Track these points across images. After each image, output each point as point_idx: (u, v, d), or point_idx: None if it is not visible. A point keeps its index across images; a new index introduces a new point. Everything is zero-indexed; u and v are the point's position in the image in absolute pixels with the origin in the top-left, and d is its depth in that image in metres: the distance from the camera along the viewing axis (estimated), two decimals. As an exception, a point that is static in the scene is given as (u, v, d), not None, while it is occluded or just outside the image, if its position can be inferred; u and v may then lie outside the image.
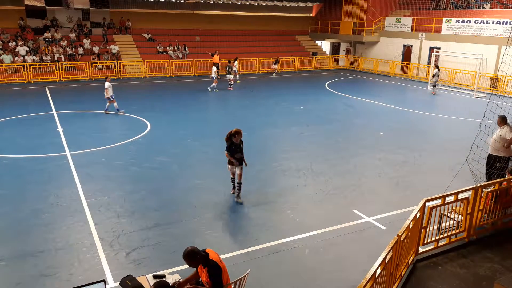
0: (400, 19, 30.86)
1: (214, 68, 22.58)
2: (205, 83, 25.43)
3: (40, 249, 7.17)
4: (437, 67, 23.51)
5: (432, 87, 23.54)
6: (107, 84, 16.40)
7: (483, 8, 28.10)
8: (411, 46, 29.92)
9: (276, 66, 29.68)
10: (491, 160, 9.13)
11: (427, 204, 6.53)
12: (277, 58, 30.24)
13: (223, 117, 16.97)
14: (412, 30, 29.75)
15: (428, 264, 6.70)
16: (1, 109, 17.46)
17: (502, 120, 9.02)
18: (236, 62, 24.56)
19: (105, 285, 4.67)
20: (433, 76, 23.36)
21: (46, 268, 6.66)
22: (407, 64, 29.74)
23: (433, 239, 6.99)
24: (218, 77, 23.58)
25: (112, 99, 16.74)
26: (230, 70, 22.80)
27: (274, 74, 29.51)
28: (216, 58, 27.24)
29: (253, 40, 34.01)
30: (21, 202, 8.95)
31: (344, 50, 36.45)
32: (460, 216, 7.38)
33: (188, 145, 13.28)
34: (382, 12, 32.49)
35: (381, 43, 32.23)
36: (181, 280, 5.19)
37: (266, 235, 7.75)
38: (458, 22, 26.58)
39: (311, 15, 38.52)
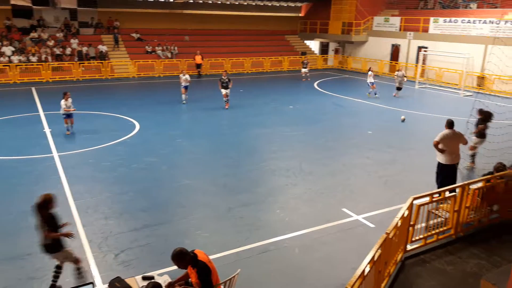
0: (389, 18, 31.09)
1: (185, 77, 18.81)
2: (193, 83, 25.35)
3: (27, 252, 7.09)
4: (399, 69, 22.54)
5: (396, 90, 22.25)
6: (62, 103, 13.76)
7: (470, 8, 28.44)
8: (399, 45, 30.16)
9: (306, 69, 27.33)
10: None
11: (414, 202, 6.59)
12: (304, 60, 28.44)
13: (212, 117, 16.93)
14: (400, 29, 29.98)
15: (416, 261, 6.76)
16: (-13, 110, 17.22)
17: (447, 124, 8.81)
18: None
19: (93, 287, 4.64)
20: (397, 77, 22.04)
21: (33, 271, 6.59)
22: (395, 63, 29.96)
23: (421, 236, 7.06)
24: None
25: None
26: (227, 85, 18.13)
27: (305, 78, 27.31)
28: (198, 59, 27.13)
29: (243, 40, 33.98)
30: (8, 204, 8.84)
31: (333, 50, 36.60)
32: (447, 214, 7.46)
33: (177, 146, 13.23)
34: (370, 12, 32.69)
35: (370, 43, 32.43)
36: (171, 281, 5.17)
37: (256, 235, 7.76)
38: (446, 22, 26.86)
39: (300, 15, 38.60)
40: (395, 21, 30.38)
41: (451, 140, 8.54)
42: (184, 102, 19.02)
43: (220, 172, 10.90)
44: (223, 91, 17.95)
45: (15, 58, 24.86)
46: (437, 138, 8.59)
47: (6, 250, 7.15)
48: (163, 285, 5.08)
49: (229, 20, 34.75)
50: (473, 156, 11.16)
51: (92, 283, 4.71)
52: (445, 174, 8.60)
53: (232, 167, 11.31)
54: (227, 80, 17.87)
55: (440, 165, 8.72)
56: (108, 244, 7.38)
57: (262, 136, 14.47)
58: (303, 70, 27.31)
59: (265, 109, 18.61)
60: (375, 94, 21.27)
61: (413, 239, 6.92)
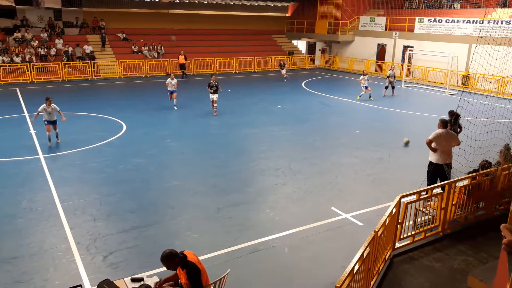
0: (374, 18, 31.36)
1: (174, 81, 18.00)
2: (180, 83, 25.24)
3: (13, 255, 6.97)
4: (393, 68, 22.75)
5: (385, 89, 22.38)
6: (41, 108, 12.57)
7: (454, 7, 28.84)
8: (385, 45, 30.45)
9: (284, 70, 27.15)
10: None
11: (402, 200, 6.66)
12: (281, 62, 28.45)
13: (201, 117, 16.87)
14: (386, 29, 30.28)
15: (405, 258, 6.84)
16: (-30, 111, 16.90)
17: (441, 123, 8.77)
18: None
19: (81, 290, 4.60)
20: (388, 76, 22.17)
21: (20, 274, 6.48)
22: (381, 62, 30.25)
23: (409, 234, 7.14)
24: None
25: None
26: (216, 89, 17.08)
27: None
28: (181, 59, 26.98)
29: (230, 39, 33.94)
30: (-7, 208, 8.68)
31: (320, 50, 36.78)
32: (434, 211, 7.56)
33: (165, 146, 13.15)
34: (356, 12, 32.93)
35: (356, 42, 32.68)
36: (159, 280, 5.15)
37: (246, 235, 7.75)
38: (430, 21, 27.20)
39: (287, 14, 38.70)
40: (381, 21, 30.66)
41: (444, 140, 8.60)
42: (175, 107, 18.00)
43: (209, 173, 10.87)
44: (211, 97, 16.85)
45: (-2, 59, 24.44)
46: (430, 137, 8.59)
47: (-8, 254, 7.02)
48: (152, 285, 5.05)
49: (216, 20, 34.67)
50: None
51: (80, 285, 4.66)
52: (436, 173, 8.67)
53: (221, 167, 11.29)
54: (216, 84, 16.80)
55: (431, 164, 8.75)
56: (96, 246, 7.31)
57: (251, 136, 14.47)
58: (283, 71, 26.94)
59: (253, 109, 18.61)
60: (370, 97, 20.94)
61: (401, 236, 6.99)
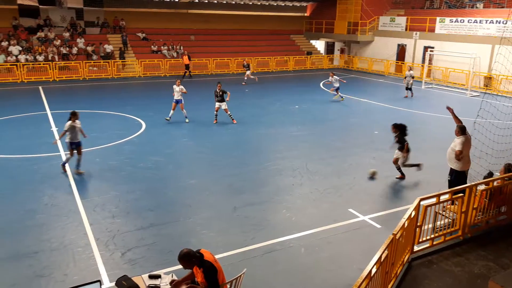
0: (394, 18, 30.98)
1: (179, 87, 15.88)
2: (199, 83, 25.39)
3: (35, 250, 7.13)
4: (410, 68, 22.32)
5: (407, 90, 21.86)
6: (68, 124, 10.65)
7: (476, 7, 28.28)
8: (405, 45, 30.04)
9: (249, 72, 25.53)
10: (450, 173, 8.67)
11: (422, 202, 6.56)
12: (244, 62, 26.65)
13: (218, 117, 16.93)
14: (406, 29, 29.87)
15: (423, 262, 6.73)
16: (-6, 109, 17.35)
17: (460, 130, 8.49)
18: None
19: (100, 285, 4.66)
20: (405, 77, 21.76)
21: (41, 268, 6.63)
22: (401, 63, 29.86)
23: (428, 237, 7.02)
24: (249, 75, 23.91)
25: None
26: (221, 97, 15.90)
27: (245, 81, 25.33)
28: (185, 59, 27.04)
29: (248, 39, 33.99)
30: (16, 203, 8.89)
31: (338, 50, 36.53)
32: (454, 215, 7.42)
33: (183, 145, 13.25)
34: (376, 12, 32.58)
35: (376, 43, 32.34)
36: (175, 279, 5.19)
37: (262, 235, 7.76)
38: (452, 22, 26.72)
39: (305, 14, 38.55)
40: (401, 21, 30.26)
41: (467, 146, 8.44)
42: (186, 119, 15.95)
43: (226, 172, 10.91)
44: (217, 105, 15.78)
45: (22, 57, 25.01)
46: (459, 148, 8.25)
47: (14, 248, 7.19)
48: (168, 283, 5.11)
49: (235, 20, 34.77)
50: (403, 166, 10.66)
51: (99, 281, 4.73)
52: (459, 181, 8.46)
53: (238, 167, 11.31)
54: (220, 93, 15.59)
55: (455, 172, 8.47)
56: (115, 242, 7.41)
57: (267, 135, 14.46)
58: (248, 73, 25.27)
59: (270, 109, 18.60)
60: (335, 96, 20.70)
61: (420, 240, 6.89)
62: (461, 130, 8.47)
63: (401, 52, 30.54)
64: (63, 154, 11.93)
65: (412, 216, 6.31)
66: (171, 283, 5.12)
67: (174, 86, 15.91)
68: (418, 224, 6.67)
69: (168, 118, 15.77)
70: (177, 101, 15.80)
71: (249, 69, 25.61)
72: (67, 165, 10.80)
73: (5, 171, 10.76)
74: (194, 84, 24.52)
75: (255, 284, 6.27)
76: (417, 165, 10.81)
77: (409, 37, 29.50)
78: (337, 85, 20.45)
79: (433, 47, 27.26)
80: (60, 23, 28.83)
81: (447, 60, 26.55)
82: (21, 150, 12.24)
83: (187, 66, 27.00)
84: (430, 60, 27.04)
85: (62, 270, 6.59)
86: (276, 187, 10.07)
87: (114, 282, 5.13)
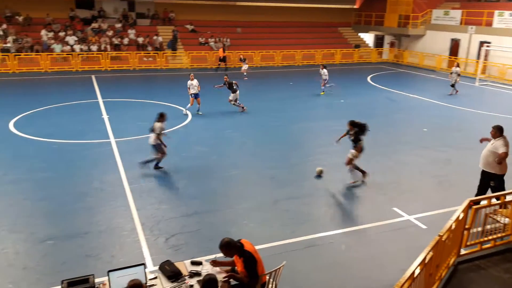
0: (449, 11, 29.61)
1: (194, 82, 15.80)
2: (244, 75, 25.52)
3: (84, 231, 7.51)
4: (458, 65, 20.94)
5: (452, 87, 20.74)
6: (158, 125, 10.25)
7: (541, 0, 26.51)
8: (459, 40, 28.68)
9: (246, 66, 24.75)
10: (485, 177, 8.20)
11: (471, 205, 6.30)
12: (241, 56, 25.88)
13: (261, 109, 16.99)
14: (461, 23, 28.49)
15: (471, 267, 6.47)
16: (51, 96, 18.30)
17: (498, 131, 7.92)
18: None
19: (144, 268, 4.85)
20: (451, 73, 20.64)
21: (90, 249, 6.97)
22: (454, 58, 28.54)
23: (476, 241, 6.74)
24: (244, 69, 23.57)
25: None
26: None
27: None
28: (220, 52, 27.10)
29: (294, 32, 33.70)
30: (68, 186, 9.38)
31: (388, 43, 35.47)
32: (506, 219, 7.07)
33: (227, 136, 13.41)
34: (429, 4, 31.29)
35: (427, 37, 31.09)
36: (216, 260, 5.35)
37: (302, 229, 7.74)
38: (512, 15, 25.21)
39: (354, 6, 37.65)
40: (456, 14, 28.87)
41: (508, 147, 7.99)
42: (199, 112, 15.89)
43: (267, 164, 10.95)
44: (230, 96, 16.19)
45: (77, 47, 26.16)
46: (504, 150, 7.77)
47: (65, 229, 7.60)
48: (209, 267, 5.22)
49: (281, 12, 34.55)
50: (355, 168, 9.88)
51: (144, 264, 4.92)
52: (501, 185, 8.06)
53: (280, 160, 11.32)
54: (227, 85, 16.12)
55: (496, 176, 8.04)
56: (159, 228, 7.66)
57: (310, 129, 14.35)
58: (244, 67, 24.46)
59: (314, 102, 18.41)
60: (329, 87, 20.18)
61: (468, 243, 6.62)
62: (499, 131, 7.93)
63: (454, 47, 29.19)
64: (113, 141, 12.41)
65: (460, 218, 6.07)
66: (211, 262, 5.26)
67: (189, 82, 15.75)
68: (467, 226, 6.41)
69: (200, 113, 15.85)
70: (195, 96, 15.79)
71: (245, 64, 24.73)
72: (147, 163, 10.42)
73: (60, 155, 11.35)
74: (239, 77, 24.69)
75: (294, 277, 6.28)
76: (363, 173, 9.88)
77: (464, 31, 28.13)
78: (325, 77, 19.88)
79: (489, 42, 25.85)
80: (113, 14, 29.86)
81: (504, 56, 25.10)
82: (75, 135, 12.86)
83: (222, 59, 27.20)
84: (485, 55, 25.67)
85: (109, 252, 6.90)
86: (317, 182, 9.99)
87: (158, 266, 5.30)
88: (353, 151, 9.76)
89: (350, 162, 9.79)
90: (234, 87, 16.16)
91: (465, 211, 6.18)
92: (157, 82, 22.92)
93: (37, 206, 8.45)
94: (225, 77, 16.52)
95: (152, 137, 10.09)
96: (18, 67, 24.20)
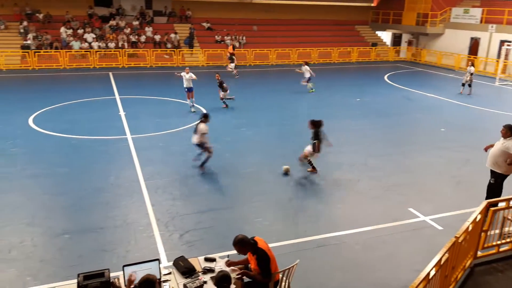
0: (469, 10, 29.08)
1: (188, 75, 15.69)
2: (261, 73, 25.52)
3: (100, 226, 7.61)
4: (472, 64, 20.59)
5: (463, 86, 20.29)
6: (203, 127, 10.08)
7: None
8: (479, 39, 28.13)
9: (233, 65, 24.36)
10: (493, 176, 8.06)
11: (489, 206, 6.19)
12: (229, 54, 25.48)
13: (275, 107, 16.96)
14: (481, 21, 27.94)
15: (487, 269, 6.36)
16: (69, 92, 18.58)
17: (510, 130, 7.72)
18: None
19: (159, 263, 4.89)
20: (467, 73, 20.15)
21: (105, 243, 7.07)
22: (473, 58, 28.04)
23: (494, 243, 6.62)
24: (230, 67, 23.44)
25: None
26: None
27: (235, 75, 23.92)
28: (230, 49, 27.00)
29: (311, 29, 33.50)
30: (85, 181, 9.52)
31: (406, 42, 35.02)
32: (526, 222, 6.92)
33: (241, 134, 13.43)
34: (448, 3, 30.77)
35: (446, 35, 30.59)
36: (230, 260, 5.35)
37: (316, 228, 7.71)
38: (535, 14, 24.63)
39: (372, 4, 37.24)
40: (476, 13, 28.33)
41: None
42: (192, 108, 15.83)
43: (282, 162, 10.90)
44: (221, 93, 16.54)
45: (95, 44, 26.50)
46: None
47: (81, 223, 7.72)
48: (223, 263, 5.25)
49: (298, 10, 34.38)
50: (310, 162, 10.19)
51: (158, 259, 4.97)
52: (500, 185, 7.93)
53: (294, 158, 11.27)
54: (218, 82, 16.47)
55: (499, 175, 7.92)
56: (174, 224, 7.72)
57: (326, 128, 14.20)
58: (231, 65, 24.18)
59: (330, 101, 18.30)
60: (311, 88, 19.76)
61: (485, 245, 6.50)
62: (510, 130, 7.76)
63: (474, 46, 28.66)
64: (130, 138, 12.55)
65: (478, 219, 5.97)
66: (226, 262, 5.28)
67: (183, 74, 15.68)
68: (484, 228, 6.30)
69: (193, 110, 15.79)
70: (189, 89, 15.73)
71: (233, 62, 24.42)
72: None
73: (78, 151, 11.53)
74: (254, 75, 24.70)
75: (307, 276, 6.27)
76: (314, 168, 10.19)
77: (484, 29, 27.58)
78: (307, 75, 19.59)
79: (510, 41, 25.30)
80: (131, 12, 30.15)
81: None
82: (92, 131, 13.04)
83: (230, 56, 27.13)
84: (506, 55, 25.14)
85: (124, 247, 6.99)
86: (332, 181, 9.94)
87: (172, 262, 5.35)
88: (309, 147, 9.96)
89: (305, 157, 10.09)
90: (225, 85, 16.51)
91: (483, 212, 6.07)
92: (173, 80, 23.02)
93: (54, 201, 8.60)
94: (217, 75, 16.73)
95: (195, 137, 10.04)
96: (37, 64, 24.65)
